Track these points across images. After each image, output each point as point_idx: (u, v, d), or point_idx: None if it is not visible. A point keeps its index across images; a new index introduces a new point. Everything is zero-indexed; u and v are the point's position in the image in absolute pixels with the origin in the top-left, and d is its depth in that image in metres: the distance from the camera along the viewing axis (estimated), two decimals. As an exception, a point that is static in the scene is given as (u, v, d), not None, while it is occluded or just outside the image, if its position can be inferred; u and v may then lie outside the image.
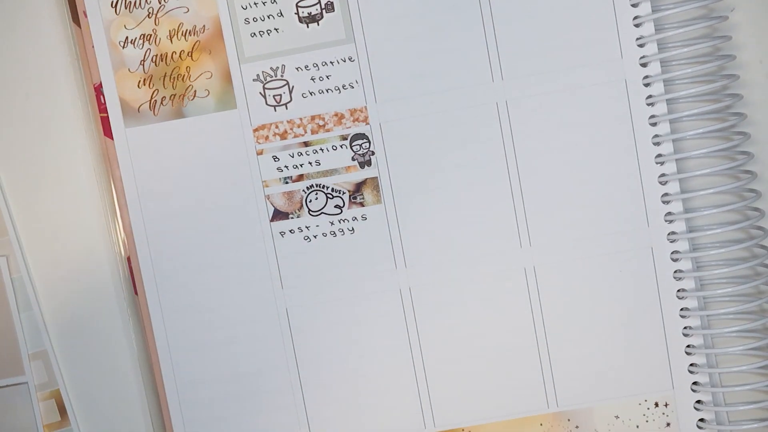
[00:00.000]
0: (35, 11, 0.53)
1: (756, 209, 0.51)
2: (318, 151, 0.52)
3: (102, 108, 0.52)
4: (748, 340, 0.52)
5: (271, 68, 0.52)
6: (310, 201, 0.52)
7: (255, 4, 0.51)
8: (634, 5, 0.51)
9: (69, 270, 0.54)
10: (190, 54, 0.52)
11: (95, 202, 0.53)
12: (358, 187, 0.52)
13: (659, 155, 0.51)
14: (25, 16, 0.53)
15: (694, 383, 0.52)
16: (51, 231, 0.53)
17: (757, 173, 0.52)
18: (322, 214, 0.52)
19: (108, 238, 0.53)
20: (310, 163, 0.52)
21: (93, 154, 0.53)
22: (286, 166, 0.52)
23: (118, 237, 0.53)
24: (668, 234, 0.52)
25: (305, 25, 0.52)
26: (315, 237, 0.52)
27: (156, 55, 0.52)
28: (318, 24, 0.52)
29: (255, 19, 0.51)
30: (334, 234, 0.52)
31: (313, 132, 0.52)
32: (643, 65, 0.51)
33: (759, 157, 0.52)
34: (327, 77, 0.52)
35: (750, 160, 0.51)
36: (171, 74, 0.52)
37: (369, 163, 0.52)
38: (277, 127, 0.52)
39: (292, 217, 0.52)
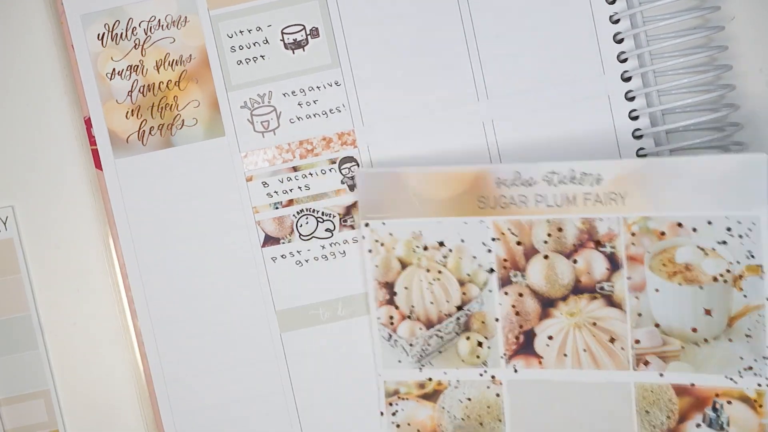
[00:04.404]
0: (30, 46, 0.53)
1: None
2: (307, 175, 0.52)
3: (92, 141, 0.53)
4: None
5: (258, 95, 0.52)
6: (301, 225, 0.53)
7: (240, 32, 0.52)
8: (614, 22, 0.51)
9: (72, 307, 0.54)
10: (177, 83, 0.52)
11: (93, 232, 0.54)
12: (348, 210, 0.53)
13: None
14: (21, 51, 0.54)
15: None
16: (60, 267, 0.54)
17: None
18: (313, 238, 0.53)
19: (105, 267, 0.54)
20: (299, 187, 0.52)
21: (88, 187, 0.53)
22: (276, 192, 0.53)
23: (114, 265, 0.53)
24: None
25: (291, 51, 0.52)
26: (307, 261, 0.53)
27: (143, 86, 0.52)
28: (303, 50, 0.52)
29: (241, 47, 0.52)
30: (325, 257, 0.53)
31: (301, 157, 0.52)
32: (626, 80, 0.52)
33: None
34: (314, 102, 0.52)
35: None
36: (159, 104, 0.52)
37: (358, 185, 0.53)
38: (265, 152, 0.52)
39: (284, 242, 0.53)
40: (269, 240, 0.53)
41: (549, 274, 0.49)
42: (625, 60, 0.51)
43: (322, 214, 0.53)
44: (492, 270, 0.50)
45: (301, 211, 0.53)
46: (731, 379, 0.48)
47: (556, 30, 0.52)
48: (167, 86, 0.52)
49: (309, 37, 0.52)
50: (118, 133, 0.52)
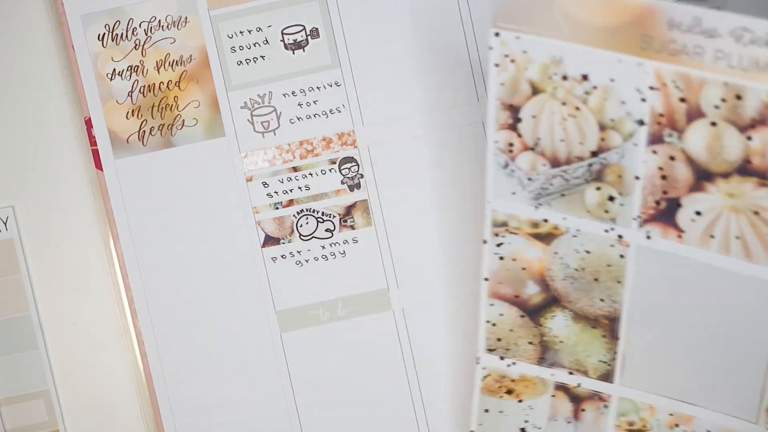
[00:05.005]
0: (30, 46, 0.53)
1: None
2: (307, 175, 0.52)
3: (93, 141, 0.53)
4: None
5: (258, 95, 0.52)
6: (301, 225, 0.53)
7: (241, 32, 0.52)
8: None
9: (72, 308, 0.54)
10: (177, 84, 0.52)
11: (93, 232, 0.54)
12: (348, 210, 0.53)
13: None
14: (21, 51, 0.54)
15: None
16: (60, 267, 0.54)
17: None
18: (313, 239, 0.53)
19: (105, 267, 0.54)
20: (299, 188, 0.53)
21: (88, 187, 0.54)
22: (276, 192, 0.53)
23: (114, 265, 0.53)
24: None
25: (291, 51, 0.52)
26: (307, 261, 0.53)
27: (144, 86, 0.52)
28: (303, 50, 0.52)
29: (241, 48, 0.52)
30: (325, 258, 0.53)
31: (301, 157, 0.52)
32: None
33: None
34: (314, 102, 0.52)
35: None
36: (159, 104, 0.52)
37: (358, 186, 0.53)
38: (265, 153, 0.53)
39: (284, 242, 0.53)
40: (269, 240, 0.53)
41: (712, 144, 0.41)
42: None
43: (322, 214, 0.53)
44: (642, 122, 0.41)
45: (302, 211, 0.53)
46: None
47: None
48: (167, 86, 0.52)
49: (309, 37, 0.52)
50: (118, 133, 0.53)
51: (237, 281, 0.53)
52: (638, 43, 0.39)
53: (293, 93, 0.52)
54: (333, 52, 0.52)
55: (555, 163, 0.44)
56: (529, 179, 0.44)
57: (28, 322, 0.54)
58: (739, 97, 0.39)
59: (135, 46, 0.52)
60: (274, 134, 0.52)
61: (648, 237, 0.43)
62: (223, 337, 0.53)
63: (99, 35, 0.52)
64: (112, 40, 0.52)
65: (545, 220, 0.45)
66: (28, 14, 0.54)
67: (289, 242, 0.53)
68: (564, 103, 0.42)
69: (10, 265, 0.54)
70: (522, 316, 0.47)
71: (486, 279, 0.46)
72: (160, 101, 0.52)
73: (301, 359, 0.53)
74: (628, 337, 0.45)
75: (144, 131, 0.52)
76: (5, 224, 0.53)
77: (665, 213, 0.43)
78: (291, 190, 0.52)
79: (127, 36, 0.52)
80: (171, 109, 0.52)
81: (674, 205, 0.42)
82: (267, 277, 0.53)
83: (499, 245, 0.46)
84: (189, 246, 0.53)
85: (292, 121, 0.52)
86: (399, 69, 0.52)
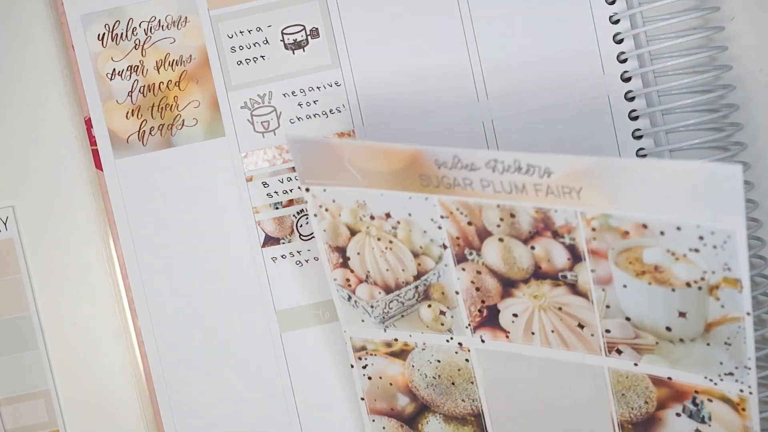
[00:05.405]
0: (30, 46, 0.53)
1: (757, 238, 0.51)
2: (307, 175, 0.52)
3: (93, 141, 0.53)
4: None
5: (258, 95, 0.52)
6: (301, 225, 0.53)
7: (241, 32, 0.52)
8: (614, 22, 0.51)
9: (73, 309, 0.54)
10: (177, 84, 0.52)
11: (94, 233, 0.54)
12: (348, 210, 0.53)
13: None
14: (21, 51, 0.54)
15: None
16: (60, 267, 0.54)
17: (753, 183, 0.52)
18: (313, 238, 0.53)
19: (105, 267, 0.54)
20: (299, 187, 0.52)
21: (88, 187, 0.54)
22: (276, 192, 0.53)
23: (114, 265, 0.53)
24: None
25: (291, 51, 0.52)
26: (307, 261, 0.53)
27: (143, 86, 0.52)
28: (304, 50, 0.52)
29: (241, 47, 0.52)
30: (325, 258, 0.53)
31: (301, 157, 0.52)
32: (626, 80, 0.52)
33: (755, 168, 0.53)
34: (314, 102, 0.52)
35: (746, 169, 0.51)
36: (159, 104, 0.52)
37: (358, 186, 0.53)
38: (265, 153, 0.52)
39: (284, 242, 0.53)
40: (269, 240, 0.53)
41: (506, 256, 0.45)
42: (624, 60, 0.51)
43: (322, 214, 0.53)
44: (445, 246, 0.46)
45: (301, 211, 0.53)
46: (711, 380, 0.44)
47: (556, 30, 0.52)
48: (167, 86, 0.52)
49: (309, 37, 0.52)
50: (118, 133, 0.53)
51: (237, 281, 0.53)
52: (419, 181, 0.44)
53: (293, 93, 0.52)
54: (333, 52, 0.52)
55: (388, 290, 0.48)
56: (372, 307, 0.48)
57: (28, 322, 0.54)
58: (513, 216, 0.43)
59: (135, 46, 0.52)
60: (274, 134, 0.52)
61: (482, 341, 0.47)
62: (223, 337, 0.53)
63: (99, 35, 0.52)
64: (112, 40, 0.52)
65: (395, 340, 0.49)
66: (28, 14, 0.54)
67: (289, 242, 0.53)
68: (379, 239, 0.47)
69: (10, 265, 0.54)
70: (402, 426, 0.51)
71: (362, 399, 0.51)
72: (160, 101, 0.52)
73: (301, 359, 0.53)
74: (495, 429, 0.50)
75: (144, 131, 0.52)
76: (5, 224, 0.54)
77: (489, 319, 0.47)
78: (291, 190, 0.52)
79: (127, 36, 0.52)
80: (171, 109, 0.52)
81: (494, 311, 0.47)
82: (267, 277, 0.53)
83: (364, 367, 0.50)
84: (189, 246, 0.53)
85: (292, 121, 0.52)
86: (398, 69, 0.52)
